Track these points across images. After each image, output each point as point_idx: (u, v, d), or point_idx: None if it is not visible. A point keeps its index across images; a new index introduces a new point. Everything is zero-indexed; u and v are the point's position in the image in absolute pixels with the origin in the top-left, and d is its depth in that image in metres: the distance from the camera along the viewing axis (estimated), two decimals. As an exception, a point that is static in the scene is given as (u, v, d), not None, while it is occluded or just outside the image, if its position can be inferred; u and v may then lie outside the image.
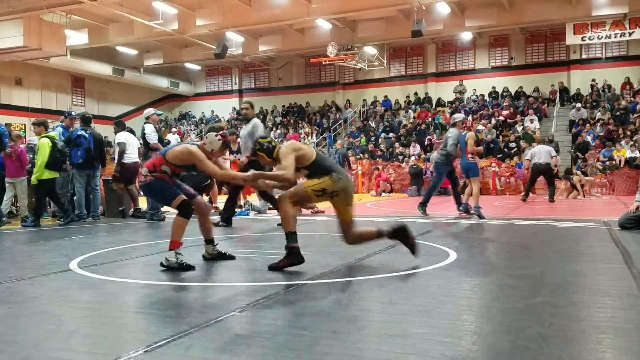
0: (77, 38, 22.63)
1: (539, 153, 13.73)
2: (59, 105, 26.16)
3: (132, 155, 9.94)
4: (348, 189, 4.61)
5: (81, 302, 3.53)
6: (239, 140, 8.69)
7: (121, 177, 9.83)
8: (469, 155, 9.01)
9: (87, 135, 9.16)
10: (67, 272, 4.47)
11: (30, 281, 4.19)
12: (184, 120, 31.42)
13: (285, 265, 4.33)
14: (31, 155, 9.49)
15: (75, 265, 4.76)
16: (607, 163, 17.57)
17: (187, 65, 29.07)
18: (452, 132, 9.58)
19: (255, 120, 8.37)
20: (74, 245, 6.35)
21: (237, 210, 9.23)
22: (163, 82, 30.16)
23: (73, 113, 10.27)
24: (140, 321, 3.02)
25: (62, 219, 8.97)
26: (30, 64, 23.58)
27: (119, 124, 10.41)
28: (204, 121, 30.81)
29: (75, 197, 9.44)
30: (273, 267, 4.35)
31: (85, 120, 9.65)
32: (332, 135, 25.59)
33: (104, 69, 26.29)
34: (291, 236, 4.39)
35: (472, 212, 9.03)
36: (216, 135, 4.56)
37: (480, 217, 8.76)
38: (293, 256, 4.33)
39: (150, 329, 2.82)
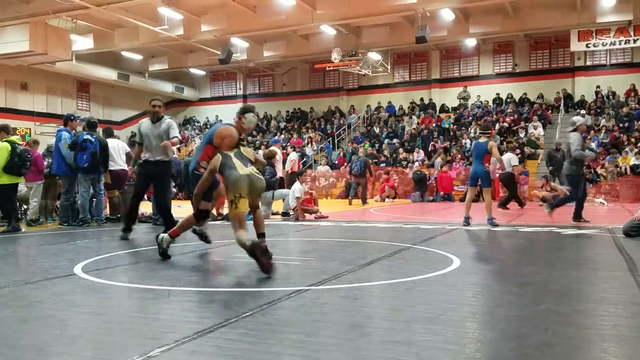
0: (83, 43, 22.76)
1: (507, 162, 13.88)
2: (64, 110, 26.20)
3: (119, 162, 9.91)
4: (239, 183, 4.62)
5: (85, 306, 3.54)
6: (150, 140, 7.77)
7: (113, 185, 9.87)
8: (486, 164, 8.77)
9: (93, 140, 9.18)
10: (71, 277, 4.49)
11: (35, 285, 4.20)
12: (188, 125, 31.51)
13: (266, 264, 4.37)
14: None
15: (79, 270, 4.77)
16: (612, 170, 17.52)
17: (192, 70, 29.18)
18: (574, 137, 9.24)
19: (170, 120, 7.50)
20: (78, 249, 6.37)
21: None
22: (168, 87, 30.28)
23: (76, 116, 10.34)
24: (143, 326, 3.03)
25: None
26: (35, 69, 23.71)
27: (107, 131, 10.33)
28: (208, 126, 30.89)
29: (79, 202, 9.47)
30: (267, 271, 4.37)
31: (91, 125, 9.68)
32: (336, 140, 25.61)
33: (109, 74, 26.41)
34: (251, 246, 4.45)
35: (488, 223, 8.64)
36: (254, 116, 4.86)
37: (494, 225, 8.62)
38: (262, 253, 4.46)
39: (154, 334, 2.83)
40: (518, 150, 18.60)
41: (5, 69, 23.05)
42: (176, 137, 7.17)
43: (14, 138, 8.98)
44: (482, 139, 8.98)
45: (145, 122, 7.23)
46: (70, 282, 4.27)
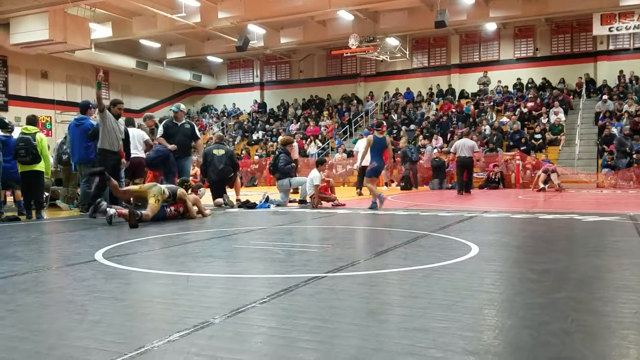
0: (101, 31, 22.92)
1: (462, 147, 14.32)
2: (84, 98, 26.50)
3: (137, 151, 10.03)
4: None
5: (106, 292, 3.59)
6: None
7: (132, 172, 9.97)
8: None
9: None
10: (92, 263, 4.55)
11: (57, 271, 4.27)
12: (205, 113, 31.64)
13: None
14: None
15: (100, 256, 4.84)
16: (635, 156, 17.23)
17: (209, 58, 29.23)
18: None
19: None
20: (99, 236, 6.46)
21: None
22: (185, 75, 30.40)
23: (94, 103, 10.42)
24: (163, 311, 3.06)
25: (83, 210, 9.17)
26: (55, 57, 23.96)
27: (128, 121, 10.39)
28: (226, 114, 31.00)
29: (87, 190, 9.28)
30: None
31: None
32: (353, 127, 25.51)
33: (128, 62, 26.58)
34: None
35: None
36: None
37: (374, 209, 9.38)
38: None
39: (173, 319, 2.86)
40: (475, 137, 18.70)
41: (25, 57, 23.32)
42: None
43: (23, 128, 9.09)
44: (379, 135, 9.96)
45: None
46: (91, 268, 4.33)
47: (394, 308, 3.12)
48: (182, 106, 10.85)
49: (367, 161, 14.52)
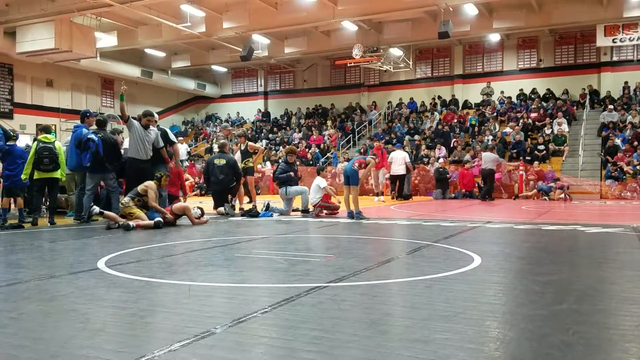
0: (107, 40, 23.06)
1: (486, 160, 16.13)
2: (89, 106, 26.55)
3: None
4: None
5: (108, 300, 3.60)
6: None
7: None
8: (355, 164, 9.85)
9: (96, 139, 9.08)
10: (95, 271, 4.57)
11: (59, 279, 4.29)
12: (209, 122, 31.74)
13: None
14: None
15: (102, 264, 4.85)
16: (638, 167, 17.19)
17: (214, 67, 29.36)
18: None
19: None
20: (102, 244, 6.47)
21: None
22: (190, 84, 30.52)
23: (92, 112, 10.49)
24: (164, 320, 3.07)
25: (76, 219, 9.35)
26: (61, 66, 24.10)
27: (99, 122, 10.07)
28: (230, 123, 31.08)
29: (84, 198, 9.37)
30: None
31: (100, 123, 9.71)
32: (357, 137, 25.55)
33: (133, 71, 26.72)
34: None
35: None
36: None
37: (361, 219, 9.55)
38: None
39: (175, 328, 2.86)
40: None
41: (31, 66, 23.46)
42: None
43: (41, 137, 9.17)
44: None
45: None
46: (93, 277, 4.35)
47: (396, 319, 3.12)
48: (156, 115, 10.41)
49: (396, 171, 15.88)
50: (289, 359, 2.40)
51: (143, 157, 9.29)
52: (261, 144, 27.21)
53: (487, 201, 15.78)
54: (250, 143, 12.43)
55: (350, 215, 9.74)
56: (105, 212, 8.58)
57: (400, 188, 16.50)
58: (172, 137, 10.29)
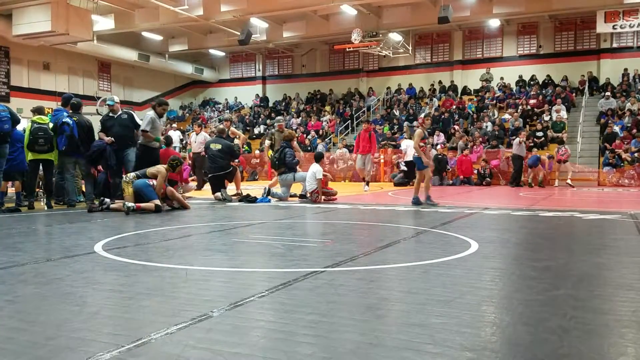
0: (104, 23, 22.85)
1: (515, 145, 16.49)
2: (86, 90, 26.54)
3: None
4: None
5: (104, 284, 3.60)
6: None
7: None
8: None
9: (70, 122, 9.05)
10: (92, 255, 4.56)
11: (56, 262, 4.28)
12: (207, 107, 31.59)
13: None
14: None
15: (99, 248, 4.84)
16: (636, 154, 17.19)
17: (212, 51, 29.16)
18: None
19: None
20: (99, 228, 6.46)
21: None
22: (187, 68, 30.34)
23: (68, 94, 10.53)
24: (161, 304, 3.06)
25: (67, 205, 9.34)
26: (57, 49, 23.91)
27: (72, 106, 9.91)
28: (227, 108, 30.96)
29: (65, 185, 9.34)
30: None
31: (74, 106, 9.63)
32: (355, 122, 25.48)
33: (130, 55, 26.53)
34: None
35: None
36: None
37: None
38: None
39: (172, 312, 2.86)
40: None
41: (28, 49, 23.28)
42: None
43: (36, 117, 9.11)
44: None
45: None
46: (90, 260, 4.34)
47: (393, 303, 3.12)
48: (116, 98, 10.26)
49: (409, 156, 15.21)
50: (286, 343, 2.39)
51: (156, 145, 9.75)
52: (259, 129, 27.15)
53: (513, 187, 16.21)
54: (232, 129, 12.39)
55: (416, 201, 9.52)
56: (112, 206, 8.49)
57: (516, 174, 16.95)
58: (138, 121, 10.05)
